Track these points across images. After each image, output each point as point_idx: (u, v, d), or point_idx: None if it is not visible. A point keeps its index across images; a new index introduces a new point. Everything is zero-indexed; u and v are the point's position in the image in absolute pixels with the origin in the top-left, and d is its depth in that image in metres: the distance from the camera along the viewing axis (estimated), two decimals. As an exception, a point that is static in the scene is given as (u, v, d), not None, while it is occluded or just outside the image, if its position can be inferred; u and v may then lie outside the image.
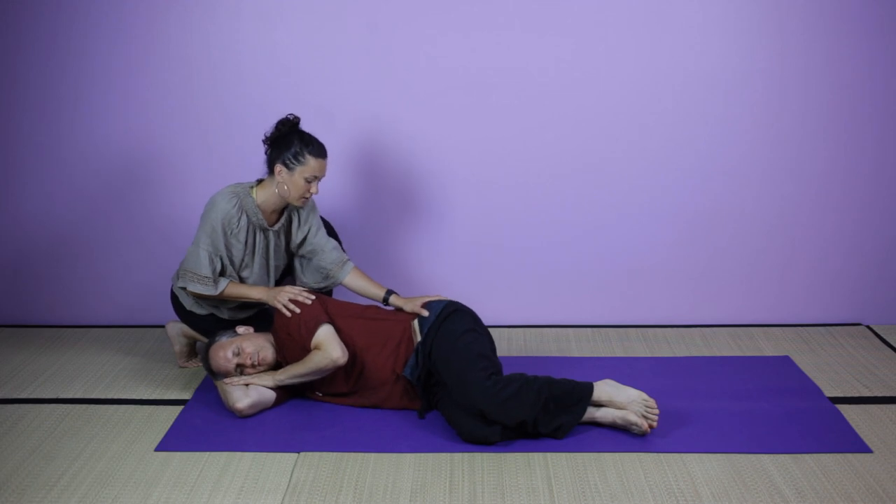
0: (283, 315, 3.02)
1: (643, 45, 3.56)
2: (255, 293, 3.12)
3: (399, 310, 3.12)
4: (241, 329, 3.11)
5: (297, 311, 3.01)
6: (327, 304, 3.09)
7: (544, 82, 3.60)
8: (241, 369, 3.01)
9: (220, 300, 3.17)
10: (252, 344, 3.02)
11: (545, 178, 3.70)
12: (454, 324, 2.94)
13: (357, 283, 3.23)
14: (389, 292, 3.18)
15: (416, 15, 3.54)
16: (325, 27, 3.57)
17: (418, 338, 2.99)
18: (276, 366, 3.08)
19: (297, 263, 3.31)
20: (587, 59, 3.58)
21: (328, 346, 2.92)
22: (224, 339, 3.04)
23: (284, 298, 3.04)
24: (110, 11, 3.55)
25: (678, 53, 3.56)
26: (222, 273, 3.12)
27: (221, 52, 3.59)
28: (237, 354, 3.00)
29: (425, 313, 3.01)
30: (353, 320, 3.05)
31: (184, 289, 3.15)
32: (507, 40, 3.56)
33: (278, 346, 3.06)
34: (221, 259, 3.10)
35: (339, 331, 3.00)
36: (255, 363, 3.01)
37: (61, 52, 3.60)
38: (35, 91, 3.65)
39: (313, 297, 3.06)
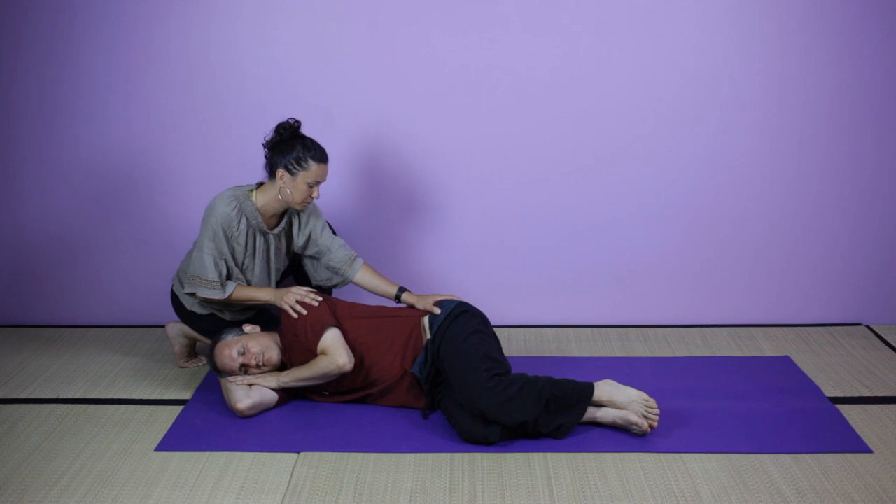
0: (289, 316, 3.02)
1: (643, 45, 3.56)
2: (263, 295, 3.11)
3: (411, 307, 3.13)
4: (247, 328, 3.10)
5: (304, 312, 3.00)
6: (335, 305, 3.08)
7: (544, 82, 3.60)
8: (245, 369, 3.01)
9: (227, 303, 3.17)
10: (258, 344, 3.02)
11: (545, 178, 3.71)
12: (463, 324, 2.94)
13: (368, 281, 3.23)
14: (401, 289, 3.18)
15: (417, 15, 3.54)
16: (325, 27, 3.57)
17: (427, 336, 2.99)
18: (281, 367, 3.08)
19: (307, 263, 3.30)
20: (587, 58, 3.58)
21: (334, 352, 2.92)
22: (230, 338, 3.04)
23: (291, 300, 3.04)
24: (110, 12, 3.55)
25: (678, 53, 3.57)
26: (228, 276, 3.12)
27: (221, 52, 3.59)
28: (242, 354, 2.99)
29: (437, 311, 3.01)
30: (361, 321, 3.05)
31: (193, 294, 3.15)
32: (507, 40, 3.56)
33: (284, 347, 3.06)
34: (226, 262, 3.09)
35: (346, 332, 2.99)
36: (260, 364, 3.01)
37: (61, 53, 3.60)
38: (35, 92, 3.65)
39: (320, 298, 3.06)
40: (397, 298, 3.18)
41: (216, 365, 3.03)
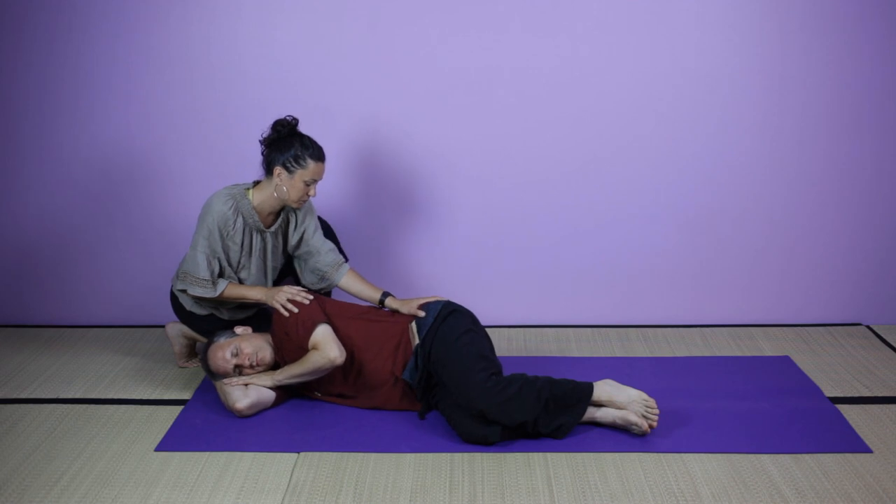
0: (281, 315, 3.02)
1: (643, 45, 3.56)
2: (254, 294, 3.12)
3: (395, 312, 3.12)
4: (239, 329, 3.11)
5: (295, 310, 3.01)
6: (325, 304, 3.09)
7: (544, 82, 3.60)
8: (239, 370, 3.01)
9: (219, 301, 3.17)
10: (250, 344, 3.02)
11: (545, 178, 3.71)
12: (452, 325, 2.94)
13: (353, 286, 3.23)
14: (385, 294, 3.17)
15: (417, 15, 3.54)
16: (325, 27, 3.57)
17: (416, 340, 2.98)
18: (275, 366, 3.08)
19: (296, 264, 3.31)
20: (587, 58, 3.58)
21: (325, 347, 2.92)
22: (222, 340, 3.04)
23: (282, 298, 3.04)
24: (110, 12, 3.55)
25: (678, 53, 3.57)
26: (221, 274, 3.13)
27: (221, 52, 3.59)
28: (235, 355, 2.99)
29: (422, 314, 3.01)
30: (352, 321, 3.05)
31: (184, 291, 3.16)
32: (507, 40, 3.56)
33: (276, 346, 3.06)
34: (219, 261, 3.10)
35: (337, 331, 2.99)
36: (254, 364, 3.01)
37: (61, 53, 3.60)
38: (35, 92, 3.65)
39: (311, 296, 3.06)
40: (381, 303, 3.17)
41: (210, 368, 3.03)
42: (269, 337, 3.09)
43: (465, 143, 3.67)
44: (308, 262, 3.25)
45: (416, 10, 3.54)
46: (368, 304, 3.26)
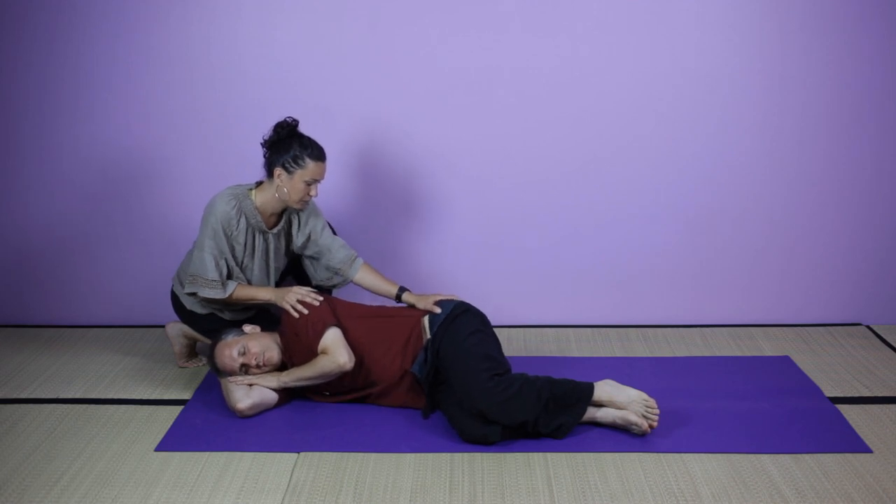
0: (290, 316, 3.02)
1: (643, 45, 3.56)
2: (264, 294, 3.11)
3: (411, 306, 3.13)
4: (247, 328, 3.10)
5: (305, 311, 3.01)
6: (335, 305, 3.09)
7: (544, 82, 3.60)
8: (245, 369, 3.01)
9: (228, 303, 3.17)
10: (258, 344, 3.02)
11: (545, 178, 3.71)
12: (462, 324, 2.94)
13: (369, 280, 3.24)
14: (402, 289, 3.18)
15: (417, 15, 3.54)
16: (325, 27, 3.57)
17: (427, 335, 2.99)
18: (282, 366, 3.08)
19: (307, 262, 3.30)
20: (587, 58, 3.58)
21: (335, 351, 2.92)
22: (230, 338, 3.04)
23: (293, 299, 3.04)
24: (110, 12, 3.55)
25: (678, 53, 3.57)
26: (229, 276, 3.12)
27: (221, 52, 3.59)
28: (243, 354, 2.99)
29: (438, 310, 3.02)
30: (362, 321, 3.05)
31: (194, 294, 3.14)
32: (507, 40, 3.56)
33: (285, 347, 3.06)
34: (227, 261, 3.09)
35: (346, 331, 3.00)
36: (261, 364, 3.01)
37: (61, 53, 3.60)
38: (35, 92, 3.65)
39: (321, 297, 3.06)
40: (398, 298, 3.19)
41: (216, 365, 3.03)
42: (277, 337, 3.09)
43: (465, 143, 3.67)
44: (321, 261, 3.26)
45: (416, 10, 3.54)
46: (380, 302, 3.26)
